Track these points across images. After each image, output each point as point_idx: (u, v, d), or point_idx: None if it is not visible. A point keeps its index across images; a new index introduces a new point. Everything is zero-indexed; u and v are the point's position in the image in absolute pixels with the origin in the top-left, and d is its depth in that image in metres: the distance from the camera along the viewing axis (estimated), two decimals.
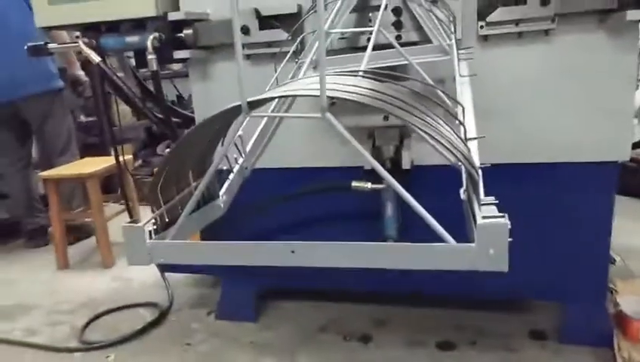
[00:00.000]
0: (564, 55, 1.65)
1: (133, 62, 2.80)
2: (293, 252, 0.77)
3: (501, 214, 0.73)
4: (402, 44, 1.51)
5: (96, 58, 2.12)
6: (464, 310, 2.09)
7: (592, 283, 1.81)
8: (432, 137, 0.86)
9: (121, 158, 2.57)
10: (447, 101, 1.33)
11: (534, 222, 1.74)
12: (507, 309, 2.08)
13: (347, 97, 0.81)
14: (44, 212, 3.37)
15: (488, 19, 1.63)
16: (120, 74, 2.74)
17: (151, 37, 1.92)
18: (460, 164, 0.96)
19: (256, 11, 1.80)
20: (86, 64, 3.50)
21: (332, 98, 0.82)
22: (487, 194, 0.84)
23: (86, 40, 2.11)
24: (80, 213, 3.28)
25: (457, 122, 1.06)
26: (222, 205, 1.13)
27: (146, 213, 0.91)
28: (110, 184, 3.96)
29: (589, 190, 1.74)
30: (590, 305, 1.81)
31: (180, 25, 1.91)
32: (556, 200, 1.77)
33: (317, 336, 2.03)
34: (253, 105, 0.85)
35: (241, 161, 1.24)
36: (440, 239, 0.75)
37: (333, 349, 1.94)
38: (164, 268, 2.40)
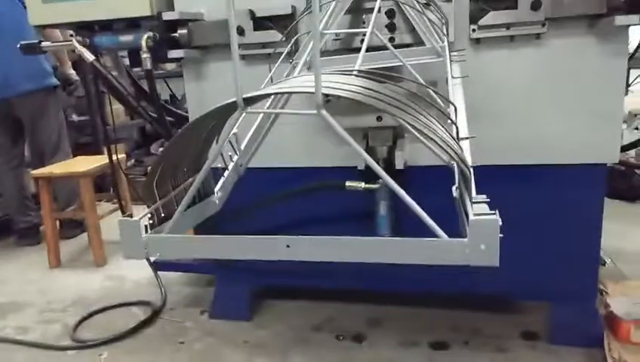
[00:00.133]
0: (555, 59, 1.68)
1: (127, 61, 2.82)
2: (288, 246, 0.78)
3: (492, 212, 0.75)
4: (395, 46, 1.53)
5: (90, 56, 2.12)
6: (458, 310, 2.11)
7: (583, 284, 1.84)
8: (426, 135, 0.87)
9: (114, 157, 2.57)
10: (440, 101, 1.35)
11: (524, 223, 1.76)
12: (500, 310, 2.10)
13: (342, 94, 0.83)
14: (36, 210, 3.36)
15: (480, 22, 1.65)
16: (114, 73, 2.75)
17: (145, 36, 1.92)
18: (452, 162, 0.98)
19: (251, 12, 1.81)
20: (78, 63, 3.51)
21: (327, 95, 0.83)
22: (478, 192, 0.85)
23: (80, 38, 2.11)
24: (72, 212, 3.26)
25: (450, 122, 1.08)
26: (217, 201, 1.14)
27: (138, 212, 0.91)
28: (102, 183, 3.95)
29: (578, 192, 1.76)
30: (580, 306, 1.83)
31: (174, 25, 1.91)
32: (546, 202, 1.80)
33: (311, 335, 2.04)
34: (249, 101, 0.87)
35: (235, 158, 1.25)
36: (433, 236, 0.77)
37: (327, 348, 1.95)
38: (157, 266, 2.39)
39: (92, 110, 3.82)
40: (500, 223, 0.70)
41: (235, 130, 1.21)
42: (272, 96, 1.30)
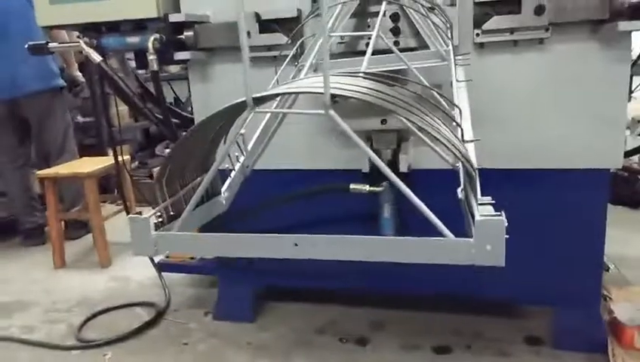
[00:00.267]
0: (558, 64, 1.69)
1: (132, 63, 2.84)
2: (296, 245, 0.79)
3: (498, 213, 0.76)
4: (400, 50, 1.55)
5: (97, 57, 2.14)
6: (460, 314, 2.11)
7: (586, 289, 1.84)
8: (432, 136, 0.88)
9: (120, 158, 2.59)
10: (445, 104, 1.36)
11: (527, 228, 1.76)
12: (504, 314, 2.10)
13: (350, 95, 0.84)
14: (41, 211, 3.37)
15: (484, 27, 1.66)
16: (121, 74, 2.77)
17: (152, 38, 1.94)
18: (457, 163, 0.99)
19: (257, 15, 1.83)
20: (85, 65, 3.54)
21: (335, 96, 0.85)
22: (483, 195, 0.86)
23: (87, 40, 2.13)
24: (77, 213, 3.28)
25: (455, 124, 1.09)
26: (224, 201, 1.16)
27: (144, 214, 0.92)
28: (107, 184, 3.97)
29: (581, 197, 1.76)
30: (584, 312, 1.83)
31: (181, 26, 1.93)
32: (549, 206, 1.80)
33: (314, 338, 2.05)
34: (258, 101, 0.88)
35: (242, 159, 1.27)
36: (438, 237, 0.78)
37: (330, 351, 1.96)
38: (161, 267, 2.41)
39: (97, 111, 3.84)
40: (506, 224, 0.71)
41: (242, 131, 1.23)
42: (279, 98, 1.31)
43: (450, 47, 1.52)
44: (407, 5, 1.65)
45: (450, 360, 1.87)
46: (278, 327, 2.13)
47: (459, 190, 1.02)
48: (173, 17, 1.90)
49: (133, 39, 2.08)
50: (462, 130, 1.08)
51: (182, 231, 0.91)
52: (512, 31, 1.66)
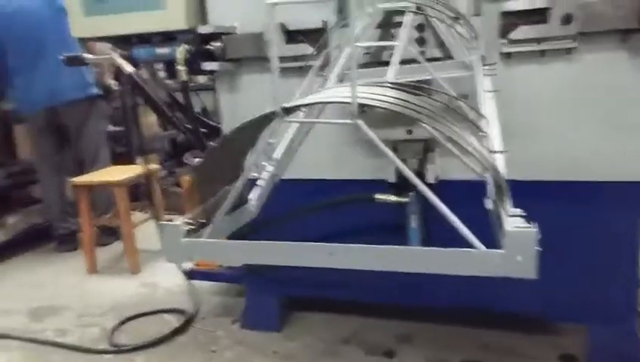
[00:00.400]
0: (587, 73, 1.65)
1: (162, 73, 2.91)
2: (331, 254, 0.80)
3: (529, 224, 0.75)
4: (426, 60, 1.55)
5: (129, 68, 2.20)
6: (490, 329, 2.07)
7: (621, 305, 1.79)
8: (460, 146, 0.88)
9: (149, 167, 2.65)
10: (472, 115, 1.36)
11: (558, 242, 1.72)
12: (536, 331, 2.05)
13: (378, 105, 0.85)
14: (74, 217, 3.47)
15: (510, 36, 1.65)
16: (150, 85, 2.84)
17: (181, 49, 1.99)
18: (486, 174, 0.99)
19: (283, 26, 1.85)
20: (117, 75, 3.64)
21: (363, 105, 0.86)
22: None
23: (120, 51, 2.20)
24: (108, 220, 3.36)
25: (483, 134, 1.08)
26: (253, 210, 1.17)
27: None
28: (137, 192, 4.05)
29: (614, 210, 1.71)
30: (619, 328, 1.78)
31: (209, 38, 1.97)
32: (581, 220, 1.74)
33: (340, 349, 2.04)
34: (287, 111, 0.90)
35: (270, 168, 1.28)
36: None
37: None
38: (189, 275, 2.44)
39: (127, 121, 3.93)
40: (538, 235, 0.70)
41: (271, 140, 1.25)
42: (306, 108, 1.33)
43: (477, 56, 1.51)
44: (432, 15, 1.65)
45: None
46: (304, 337, 2.13)
47: (488, 201, 1.01)
48: (202, 29, 1.94)
49: (163, 50, 2.12)
50: (490, 140, 1.07)
51: (212, 238, 0.93)
52: (539, 41, 1.64)
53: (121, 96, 3.87)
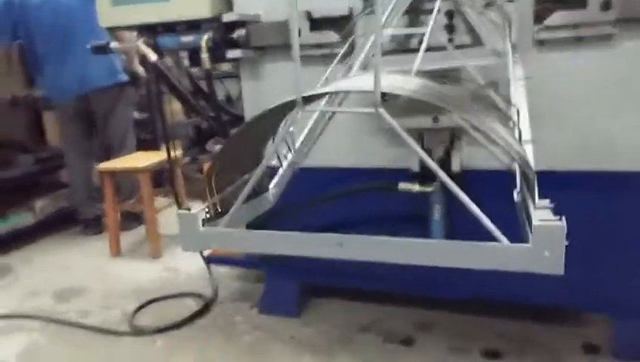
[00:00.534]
0: (627, 61, 1.59)
1: (186, 61, 2.92)
2: (341, 245, 0.78)
3: (557, 217, 0.72)
4: (455, 48, 1.50)
5: (153, 57, 2.21)
6: (512, 319, 2.03)
7: None
8: (487, 136, 0.85)
9: (173, 154, 2.66)
10: (502, 104, 1.31)
11: (587, 232, 1.67)
12: (558, 321, 2.01)
13: (402, 93, 0.82)
14: (100, 202, 3.53)
15: (545, 22, 1.59)
16: (175, 73, 2.85)
17: (205, 37, 1.99)
18: (514, 165, 0.95)
19: (308, 13, 1.82)
20: (144, 62, 3.66)
21: (385, 94, 0.83)
22: (541, 199, 0.82)
23: (145, 39, 2.20)
24: (132, 205, 3.41)
25: (512, 123, 1.04)
26: (271, 198, 1.16)
27: (194, 208, 0.94)
28: (159, 179, 4.09)
29: None
30: None
31: (233, 26, 1.96)
32: (612, 210, 1.70)
33: (358, 336, 2.03)
34: (308, 99, 0.88)
35: (290, 156, 1.27)
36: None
37: (374, 350, 1.94)
38: (209, 260, 2.46)
39: (153, 108, 3.97)
40: (566, 230, 0.67)
41: (291, 129, 1.24)
42: (328, 96, 1.30)
43: (508, 44, 1.46)
44: (462, 1, 1.60)
45: None
46: (322, 323, 2.13)
47: (515, 192, 0.97)
48: (226, 17, 1.93)
49: (188, 38, 2.12)
50: (519, 130, 1.03)
51: (230, 226, 0.92)
52: (576, 26, 1.58)
53: (147, 84, 3.91)
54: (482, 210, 0.78)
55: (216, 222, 0.94)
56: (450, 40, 1.68)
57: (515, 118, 1.16)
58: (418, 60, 1.25)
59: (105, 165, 3.20)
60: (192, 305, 2.35)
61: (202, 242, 0.88)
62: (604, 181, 1.68)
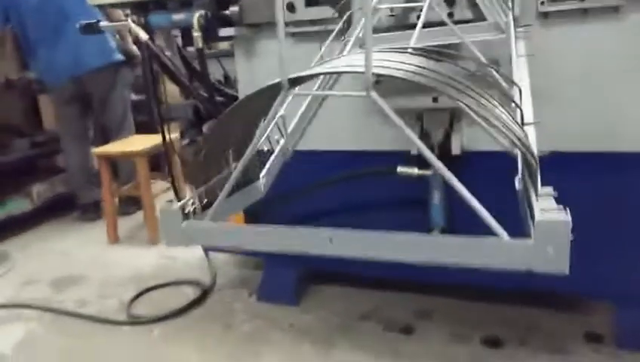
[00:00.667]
0: (635, 35, 1.51)
1: (179, 40, 2.84)
2: (331, 241, 0.73)
3: (559, 207, 0.66)
4: (455, 22, 1.43)
5: (144, 36, 2.14)
6: (513, 305, 1.99)
7: None
8: (486, 119, 0.79)
9: (168, 137, 2.60)
10: (503, 82, 1.24)
11: (591, 216, 1.61)
12: (560, 308, 1.96)
13: (394, 74, 0.76)
14: (98, 187, 3.48)
15: None
16: (168, 52, 2.78)
17: (197, 14, 1.91)
18: (515, 150, 0.89)
19: None
20: (138, 41, 3.58)
21: (378, 75, 0.76)
22: (544, 183, 0.77)
23: (135, 18, 2.13)
24: (129, 190, 3.37)
25: (513, 105, 0.98)
26: (262, 187, 1.10)
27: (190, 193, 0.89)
28: (158, 162, 4.04)
29: None
30: None
31: (226, 2, 1.88)
32: (617, 194, 1.64)
33: (357, 324, 2.00)
34: (294, 82, 0.81)
35: (282, 141, 1.21)
36: (492, 233, 0.69)
37: (374, 338, 1.90)
38: (207, 247, 2.42)
39: (148, 89, 3.89)
40: (571, 224, 0.61)
41: (282, 112, 1.17)
42: (321, 77, 1.24)
43: (510, 17, 1.38)
44: None
45: (502, 353, 1.77)
46: (321, 311, 2.09)
47: (516, 179, 0.92)
48: None
49: (179, 16, 2.05)
50: (521, 111, 0.96)
51: (216, 219, 0.87)
52: None
53: (142, 64, 3.83)
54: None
55: (202, 215, 0.89)
56: (451, 14, 1.61)
57: (517, 98, 1.10)
58: (415, 36, 1.18)
59: (101, 149, 3.15)
60: (189, 293, 2.32)
61: (185, 238, 0.83)
62: (609, 162, 1.62)
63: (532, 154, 0.78)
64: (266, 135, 1.10)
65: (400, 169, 1.73)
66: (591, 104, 1.60)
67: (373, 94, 0.74)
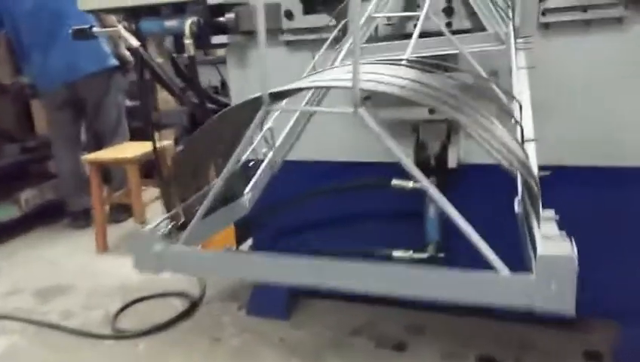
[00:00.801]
0: (639, 46, 1.46)
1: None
2: (315, 271, 0.67)
3: (563, 234, 0.61)
4: (453, 32, 1.38)
5: (135, 43, 2.09)
6: (509, 321, 1.92)
7: None
8: (483, 138, 0.73)
9: (161, 144, 2.55)
10: (502, 96, 1.19)
11: (592, 232, 1.56)
12: (558, 325, 1.89)
13: (383, 89, 0.70)
14: (88, 194, 3.42)
15: (551, 4, 1.47)
16: (160, 60, 2.73)
17: (189, 21, 1.87)
18: (515, 171, 0.83)
19: None
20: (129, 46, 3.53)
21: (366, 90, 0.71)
22: (545, 198, 0.71)
23: (126, 24, 2.09)
24: (120, 197, 3.30)
25: (513, 121, 0.92)
26: (247, 203, 1.04)
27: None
28: (151, 168, 3.98)
29: None
30: None
31: (220, 9, 1.84)
32: (619, 209, 1.58)
33: (349, 340, 1.93)
34: (278, 96, 0.75)
35: (270, 154, 1.15)
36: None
37: (365, 356, 1.84)
38: None
39: (142, 95, 3.84)
40: (577, 259, 0.55)
41: (269, 125, 1.12)
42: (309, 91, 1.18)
43: (511, 28, 1.33)
44: None
45: None
46: (312, 325, 2.03)
47: (516, 201, 0.86)
48: None
49: (171, 23, 2.00)
50: (522, 128, 0.91)
51: (191, 242, 0.80)
52: (585, 8, 1.46)
53: (135, 70, 3.78)
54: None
55: (177, 238, 0.82)
56: (449, 24, 1.56)
57: (516, 113, 1.05)
58: (411, 47, 1.12)
59: (92, 156, 3.09)
60: (177, 305, 2.25)
61: (157, 264, 0.77)
62: (612, 177, 1.57)
63: (533, 178, 0.72)
64: (247, 153, 1.05)
65: (394, 182, 1.68)
66: (592, 118, 1.55)
67: (361, 111, 0.69)
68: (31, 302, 2.43)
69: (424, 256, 1.63)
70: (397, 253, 1.66)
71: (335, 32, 1.50)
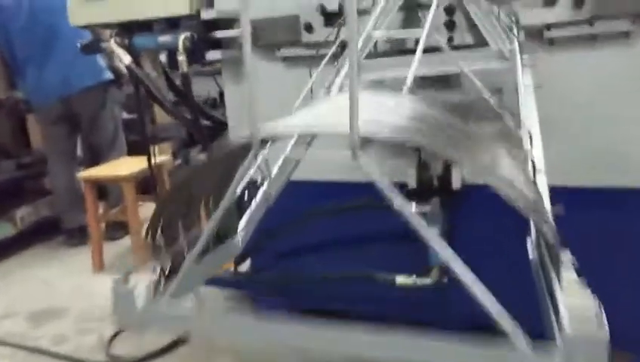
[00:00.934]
0: None
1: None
2: (317, 337, 0.60)
3: (592, 307, 0.54)
4: (455, 47, 1.33)
5: (126, 59, 2.04)
6: None
7: None
8: (491, 180, 0.67)
9: (158, 158, 2.50)
10: (508, 119, 1.13)
11: (603, 257, 1.49)
12: None
13: (387, 136, 0.64)
14: (84, 211, 3.36)
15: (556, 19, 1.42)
16: (152, 73, 2.68)
17: (182, 36, 1.83)
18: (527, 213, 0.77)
19: (322, 7, 1.65)
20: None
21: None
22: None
23: (119, 39, 2.04)
24: (116, 214, 3.24)
25: (523, 157, 0.86)
26: (239, 242, 0.98)
27: None
28: (149, 184, 3.91)
29: None
30: None
31: (215, 24, 1.81)
32: (634, 231, 1.52)
33: None
34: (267, 141, 0.70)
35: (265, 186, 1.09)
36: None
37: None
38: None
39: (138, 110, 3.78)
40: (608, 337, 0.48)
41: (263, 157, 1.06)
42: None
43: (516, 44, 1.28)
44: None
45: None
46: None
47: (528, 243, 0.80)
48: (205, 14, 1.78)
49: (165, 38, 1.97)
50: (534, 165, 0.85)
51: (179, 295, 0.74)
52: (591, 23, 1.40)
53: (131, 83, 3.73)
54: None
55: (164, 289, 0.76)
56: (451, 39, 1.50)
57: (526, 140, 0.99)
58: (414, 66, 1.07)
59: (86, 173, 3.03)
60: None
61: (141, 322, 0.70)
62: (623, 199, 1.50)
63: (550, 226, 0.65)
64: (231, 198, 0.98)
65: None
66: (598, 136, 1.49)
67: (362, 160, 0.63)
68: (23, 325, 2.36)
69: (428, 281, 1.57)
70: (400, 279, 1.60)
71: (334, 49, 1.44)
